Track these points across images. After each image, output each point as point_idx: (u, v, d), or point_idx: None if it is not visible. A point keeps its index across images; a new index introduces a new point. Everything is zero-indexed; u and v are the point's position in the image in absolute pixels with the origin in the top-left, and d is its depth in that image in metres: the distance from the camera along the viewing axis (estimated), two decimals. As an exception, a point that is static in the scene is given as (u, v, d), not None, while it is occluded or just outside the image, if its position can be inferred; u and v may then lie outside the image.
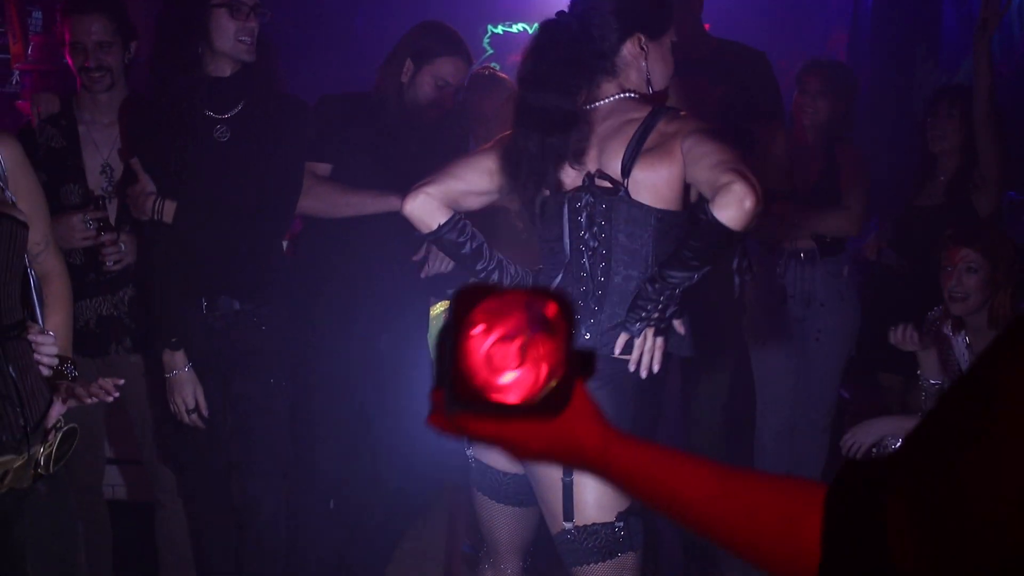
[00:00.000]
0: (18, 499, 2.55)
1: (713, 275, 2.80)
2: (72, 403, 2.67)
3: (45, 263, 2.89)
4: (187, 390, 3.62)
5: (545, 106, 2.85)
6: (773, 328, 4.85)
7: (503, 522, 3.02)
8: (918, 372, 4.15)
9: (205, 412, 3.65)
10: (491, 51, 8.10)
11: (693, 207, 2.79)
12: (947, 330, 4.13)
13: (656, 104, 2.85)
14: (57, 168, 3.83)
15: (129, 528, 4.30)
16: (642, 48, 2.90)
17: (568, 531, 2.76)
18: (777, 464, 4.96)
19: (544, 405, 1.11)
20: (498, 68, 4.54)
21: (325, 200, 3.79)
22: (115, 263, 3.77)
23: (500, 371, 1.10)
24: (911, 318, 4.18)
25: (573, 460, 1.21)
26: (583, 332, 2.84)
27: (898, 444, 4.05)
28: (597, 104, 2.90)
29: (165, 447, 3.85)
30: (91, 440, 3.95)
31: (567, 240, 2.89)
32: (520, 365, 1.10)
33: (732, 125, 3.91)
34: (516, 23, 8.25)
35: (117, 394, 2.73)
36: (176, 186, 3.56)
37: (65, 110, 3.90)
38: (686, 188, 2.78)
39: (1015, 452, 0.83)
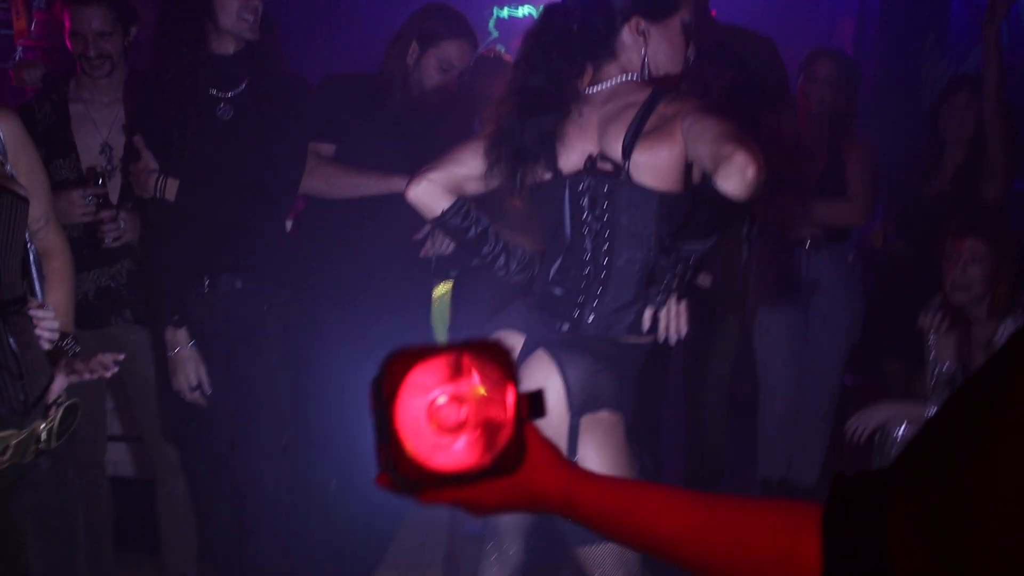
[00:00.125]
0: (19, 474, 2.55)
1: (717, 258, 2.80)
2: (73, 378, 2.67)
3: (46, 239, 2.89)
4: (189, 368, 3.62)
5: (537, 88, 2.87)
6: (776, 313, 4.85)
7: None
8: (930, 358, 4.14)
9: (208, 390, 3.65)
10: (496, 34, 8.08)
11: (696, 187, 2.77)
12: (948, 322, 4.13)
13: (657, 87, 2.84)
14: (56, 145, 3.83)
15: (131, 505, 4.31)
16: (641, 32, 2.88)
17: (572, 512, 2.75)
18: (779, 449, 4.97)
19: (498, 466, 1.05)
20: (504, 51, 4.51)
21: (328, 180, 3.79)
22: (114, 240, 3.78)
23: (444, 442, 1.04)
24: (917, 306, 4.19)
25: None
26: (587, 316, 2.84)
27: (901, 430, 4.07)
28: (599, 87, 2.90)
29: (168, 424, 3.85)
30: (93, 416, 3.96)
31: (568, 223, 2.88)
32: (465, 429, 1.04)
33: (738, 111, 3.90)
34: (522, 6, 8.24)
35: (116, 369, 2.73)
36: (179, 164, 3.55)
37: (59, 88, 3.89)
38: (688, 169, 2.77)
39: (1020, 458, 0.82)
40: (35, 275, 2.75)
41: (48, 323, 2.67)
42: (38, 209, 2.79)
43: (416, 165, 3.25)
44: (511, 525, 3.08)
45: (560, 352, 2.80)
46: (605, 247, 2.83)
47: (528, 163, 2.90)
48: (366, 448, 3.47)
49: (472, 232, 3.03)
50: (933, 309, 4.12)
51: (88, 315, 3.84)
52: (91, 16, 3.75)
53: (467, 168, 2.98)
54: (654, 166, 2.75)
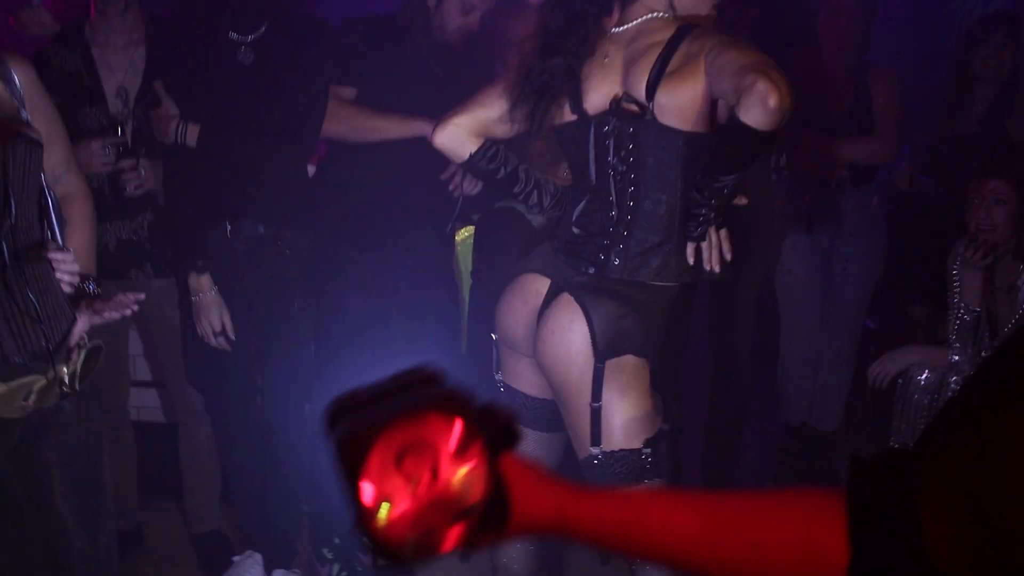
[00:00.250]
0: (44, 417, 2.55)
1: (747, 187, 2.77)
2: (96, 319, 2.66)
3: (68, 184, 2.87)
4: (213, 313, 3.62)
5: (560, 28, 2.84)
6: (799, 256, 4.82)
7: (530, 447, 3.02)
8: (955, 300, 4.11)
9: (232, 335, 3.66)
10: (518, -26, 7.99)
11: (722, 124, 2.73)
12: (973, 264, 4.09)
13: (683, 24, 2.79)
14: (73, 92, 3.80)
15: (156, 450, 4.35)
16: None
17: (595, 456, 2.76)
18: (800, 393, 4.96)
19: (484, 527, 1.00)
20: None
21: (350, 124, 3.76)
22: (136, 188, 3.77)
23: (421, 526, 0.98)
24: (943, 249, 4.16)
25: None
26: (612, 259, 2.81)
27: (924, 376, 4.06)
28: (625, 27, 2.86)
29: (192, 369, 3.86)
30: (117, 360, 4.00)
31: (593, 166, 2.86)
32: (439, 496, 0.97)
33: (764, 49, 3.85)
34: (544, -54, 8.13)
35: (136, 307, 2.72)
36: (199, 109, 3.54)
37: (78, 34, 3.87)
38: (713, 108, 2.73)
39: None
40: (55, 221, 2.74)
41: (68, 266, 2.66)
42: (57, 155, 2.78)
43: (437, 108, 3.23)
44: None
45: (585, 296, 2.78)
46: (631, 190, 2.80)
47: (549, 103, 2.88)
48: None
49: (502, 172, 3.03)
50: (958, 251, 4.09)
51: (108, 267, 3.84)
52: None
53: (493, 110, 2.96)
54: (678, 106, 2.71)
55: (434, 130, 3.01)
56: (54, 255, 2.63)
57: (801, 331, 4.92)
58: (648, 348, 2.80)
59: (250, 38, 3.59)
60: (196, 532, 4.23)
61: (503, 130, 2.98)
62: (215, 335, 3.65)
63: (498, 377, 3.04)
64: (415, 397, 1.01)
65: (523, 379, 2.98)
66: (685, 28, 2.76)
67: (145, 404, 4.63)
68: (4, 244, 2.45)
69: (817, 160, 4.63)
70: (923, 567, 0.87)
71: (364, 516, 0.99)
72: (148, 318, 3.97)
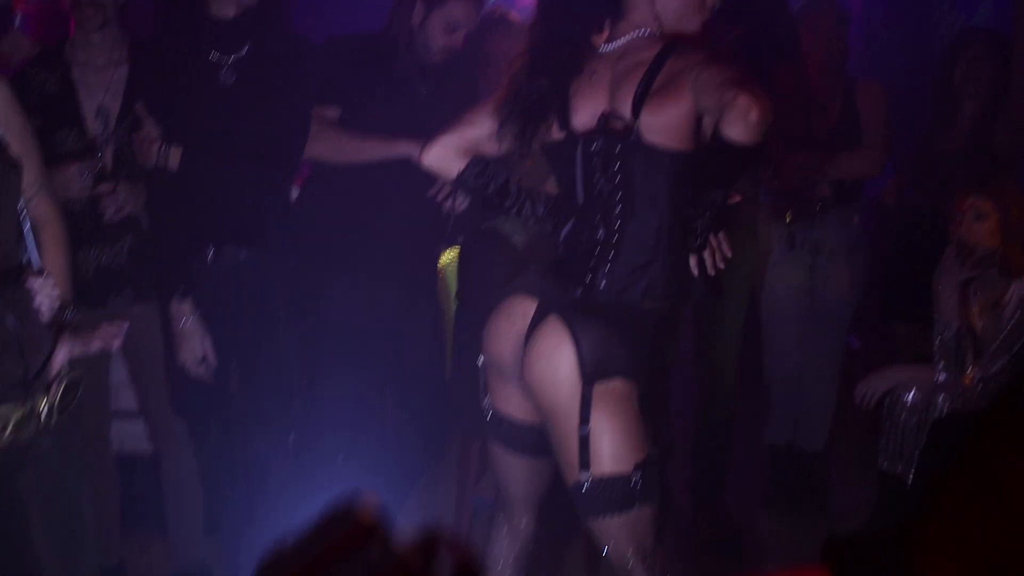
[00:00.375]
0: (21, 452, 2.50)
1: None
2: (78, 349, 2.61)
3: (39, 207, 2.83)
4: (195, 341, 3.57)
5: (549, 46, 2.85)
6: (781, 274, 4.81)
7: (518, 474, 3.00)
8: (935, 316, 4.11)
9: (213, 363, 3.61)
10: (501, -7, 8.01)
11: (708, 142, 2.72)
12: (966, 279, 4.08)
13: (668, 42, 2.78)
14: (51, 113, 3.76)
15: (137, 481, 4.30)
16: None
17: (584, 482, 2.73)
18: (785, 413, 4.94)
19: None
20: (509, 10, 4.43)
21: (333, 145, 3.73)
22: (115, 213, 3.72)
23: None
24: (928, 267, 4.15)
25: None
26: (599, 279, 2.79)
27: (910, 395, 4.04)
28: (613, 44, 2.86)
29: (175, 397, 3.80)
30: (98, 390, 3.94)
31: (580, 185, 2.84)
32: None
33: (749, 65, 3.83)
34: (527, -36, 8.15)
35: (120, 340, 2.67)
36: (181, 132, 3.50)
37: (58, 54, 3.83)
38: (699, 125, 2.73)
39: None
40: (32, 246, 2.69)
41: (48, 291, 2.62)
42: (29, 176, 2.74)
43: (422, 127, 3.21)
44: (521, 496, 3.07)
45: (572, 318, 2.76)
46: (617, 209, 2.79)
47: (538, 121, 2.88)
48: (373, 421, 3.47)
49: (491, 187, 3.04)
50: (941, 269, 4.08)
51: (87, 294, 3.79)
52: None
53: (480, 129, 2.97)
54: (664, 125, 2.71)
55: (422, 150, 3.02)
56: (34, 281, 2.58)
57: (784, 349, 4.92)
58: (636, 371, 2.78)
59: (232, 58, 3.55)
60: (180, 565, 4.15)
61: (491, 148, 2.98)
62: (196, 363, 3.59)
63: (485, 402, 3.01)
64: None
65: (511, 403, 2.94)
66: (670, 46, 2.76)
67: (127, 434, 4.57)
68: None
69: (802, 177, 4.62)
70: None
71: None
72: (129, 345, 3.91)
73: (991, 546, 0.82)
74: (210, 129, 3.51)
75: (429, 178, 3.62)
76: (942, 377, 4.09)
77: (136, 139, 3.56)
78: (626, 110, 2.74)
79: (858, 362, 5.22)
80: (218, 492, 3.91)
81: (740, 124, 2.47)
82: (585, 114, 2.83)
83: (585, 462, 2.72)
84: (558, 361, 2.74)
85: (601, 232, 2.82)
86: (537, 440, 2.92)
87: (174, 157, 3.47)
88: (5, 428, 2.43)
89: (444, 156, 3.00)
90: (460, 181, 3.03)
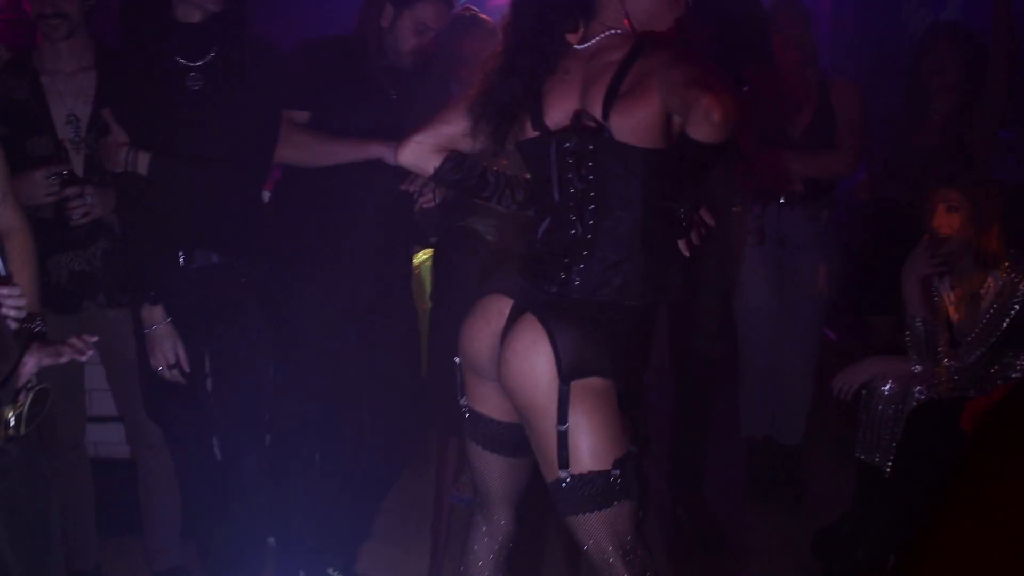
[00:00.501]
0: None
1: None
2: (47, 361, 2.58)
3: (5, 216, 2.81)
4: (167, 345, 3.55)
5: (522, 45, 2.84)
6: (752, 269, 4.83)
7: (497, 473, 2.99)
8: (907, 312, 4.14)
9: (187, 368, 3.59)
10: (472, -7, 8.01)
11: (677, 141, 2.73)
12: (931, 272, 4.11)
13: (638, 41, 2.79)
14: (21, 120, 3.75)
15: (113, 485, 4.27)
16: None
17: (564, 479, 2.72)
18: (761, 407, 4.96)
19: None
20: (478, 10, 4.42)
21: (304, 149, 3.72)
22: (82, 216, 3.70)
23: None
24: (903, 259, 4.17)
25: None
26: (573, 277, 2.79)
27: (887, 387, 4.06)
28: (587, 44, 2.86)
29: (149, 402, 3.78)
30: (71, 395, 3.94)
31: (555, 182, 2.84)
32: None
33: (721, 65, 3.84)
34: (496, -36, 8.16)
35: (91, 351, 2.65)
36: (149, 136, 3.49)
37: (26, 62, 3.80)
38: (669, 123, 2.73)
39: None
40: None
41: (15, 301, 2.59)
42: None
43: (392, 129, 3.19)
44: (500, 495, 3.05)
45: (548, 316, 2.75)
46: (591, 207, 2.79)
47: (511, 120, 2.88)
48: (350, 422, 3.47)
49: (470, 179, 3.05)
50: (911, 262, 4.11)
51: (61, 299, 3.78)
52: None
53: (455, 127, 2.98)
54: (633, 125, 2.71)
55: (398, 148, 3.03)
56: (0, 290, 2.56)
57: (758, 342, 4.93)
58: (613, 368, 2.78)
59: (199, 63, 3.54)
60: (158, 570, 4.13)
61: (466, 146, 2.99)
62: (169, 368, 3.57)
63: (463, 402, 3.00)
64: None
65: (489, 403, 2.94)
66: (638, 46, 2.76)
67: (103, 439, 4.55)
68: (-51, 278, 2.38)
69: (775, 175, 4.64)
70: None
71: None
72: (103, 351, 3.90)
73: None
74: (178, 134, 3.50)
75: (401, 179, 3.62)
76: (917, 368, 4.12)
77: (103, 144, 3.54)
78: (596, 110, 2.74)
79: (835, 355, 5.23)
80: (195, 495, 3.89)
81: (703, 125, 2.47)
82: (558, 113, 2.83)
83: (564, 460, 2.71)
84: (535, 359, 2.73)
85: (576, 230, 2.81)
86: (515, 439, 2.91)
87: (142, 162, 3.46)
88: (-29, 437, 2.40)
89: (420, 153, 3.01)
90: (437, 177, 3.04)
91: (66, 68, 3.80)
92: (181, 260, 3.60)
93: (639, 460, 2.81)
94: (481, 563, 3.09)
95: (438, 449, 4.30)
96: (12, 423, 2.46)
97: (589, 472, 2.71)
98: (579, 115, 2.78)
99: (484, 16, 4.36)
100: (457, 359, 2.99)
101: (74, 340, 2.62)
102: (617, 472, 2.72)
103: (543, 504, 2.94)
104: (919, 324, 4.09)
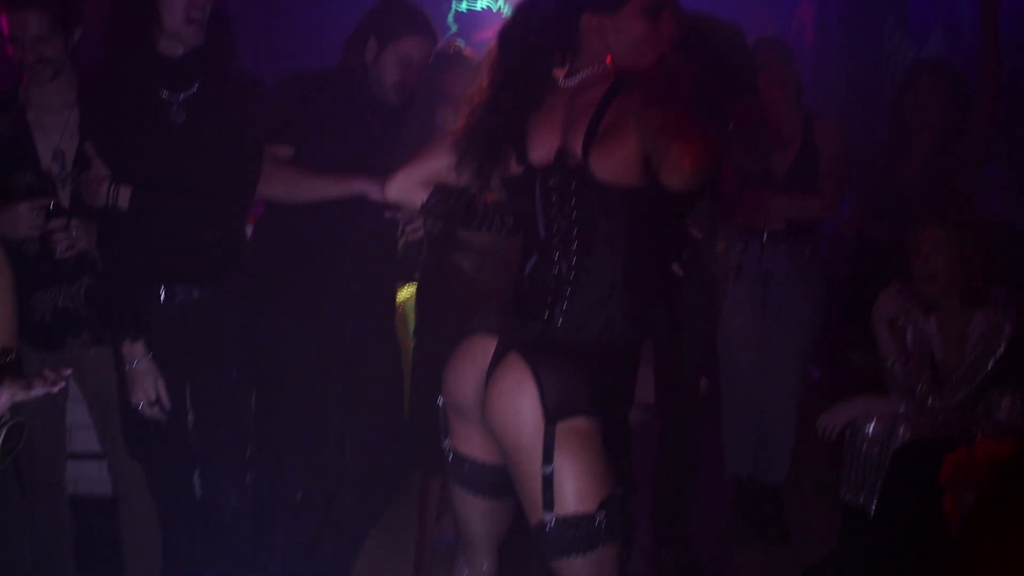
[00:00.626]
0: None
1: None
2: (20, 396, 2.55)
3: None
4: (147, 382, 3.52)
5: (506, 82, 2.84)
6: (735, 306, 4.84)
7: (480, 515, 2.96)
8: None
9: (167, 405, 3.55)
10: (456, 28, 8.05)
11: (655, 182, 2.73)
12: (917, 312, 4.11)
13: (618, 78, 2.78)
14: (6, 156, 3.72)
15: (94, 524, 4.24)
16: (596, 27, 2.82)
17: (548, 522, 2.69)
18: (745, 445, 4.94)
19: None
20: (463, 45, 4.42)
21: (287, 184, 3.69)
22: (66, 249, 3.66)
23: None
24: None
25: None
26: (556, 316, 2.77)
27: (871, 426, 4.05)
28: (571, 80, 2.86)
29: (130, 440, 3.74)
30: (52, 433, 3.91)
31: (541, 218, 2.83)
32: None
33: (706, 102, 3.83)
34: (480, 0, 8.21)
35: (64, 384, 2.61)
36: (131, 170, 3.46)
37: (12, 98, 3.78)
38: (649, 162, 2.70)
39: None
40: None
41: None
42: None
43: (376, 164, 3.17)
44: (482, 538, 3.03)
45: (533, 355, 2.73)
46: (574, 245, 2.78)
47: (496, 156, 2.88)
48: (331, 459, 3.43)
49: (458, 209, 3.05)
50: (878, 306, 4.12)
51: (44, 336, 3.74)
52: (28, 20, 3.63)
53: (441, 161, 2.98)
54: (613, 165, 2.70)
55: (385, 183, 3.04)
56: None
57: (742, 381, 4.92)
58: (599, 408, 2.75)
59: (182, 96, 3.53)
60: (138, 609, 4.08)
61: (452, 180, 2.98)
62: (150, 404, 3.54)
63: (446, 444, 2.97)
64: None
65: (473, 444, 2.90)
66: (616, 85, 2.75)
67: (83, 476, 4.50)
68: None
69: (757, 213, 4.64)
70: None
71: None
72: (86, 388, 3.87)
73: None
74: (160, 168, 3.48)
75: (383, 214, 3.61)
76: (902, 408, 4.10)
77: (84, 178, 3.51)
78: (577, 149, 2.74)
79: (819, 392, 5.23)
80: (175, 534, 3.84)
81: (674, 174, 2.48)
82: (542, 149, 2.82)
83: (549, 502, 2.68)
84: (520, 400, 2.70)
85: (559, 268, 2.80)
86: (499, 481, 2.88)
87: (123, 196, 3.43)
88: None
89: (407, 188, 3.02)
90: (426, 210, 3.05)
91: (53, 103, 3.77)
92: (162, 295, 3.58)
93: (624, 502, 2.78)
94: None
95: (420, 488, 4.26)
96: None
97: (574, 515, 2.68)
98: (561, 153, 2.77)
99: (468, 51, 4.36)
100: (440, 400, 2.97)
101: (47, 372, 2.59)
102: (602, 514, 2.69)
103: (526, 547, 2.90)
104: (896, 367, 4.09)
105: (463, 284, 4.01)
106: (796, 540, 4.85)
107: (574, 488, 2.67)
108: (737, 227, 4.80)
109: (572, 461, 2.68)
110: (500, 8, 8.24)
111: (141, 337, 3.51)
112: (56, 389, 2.60)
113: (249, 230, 3.94)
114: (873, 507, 4.03)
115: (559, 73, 2.88)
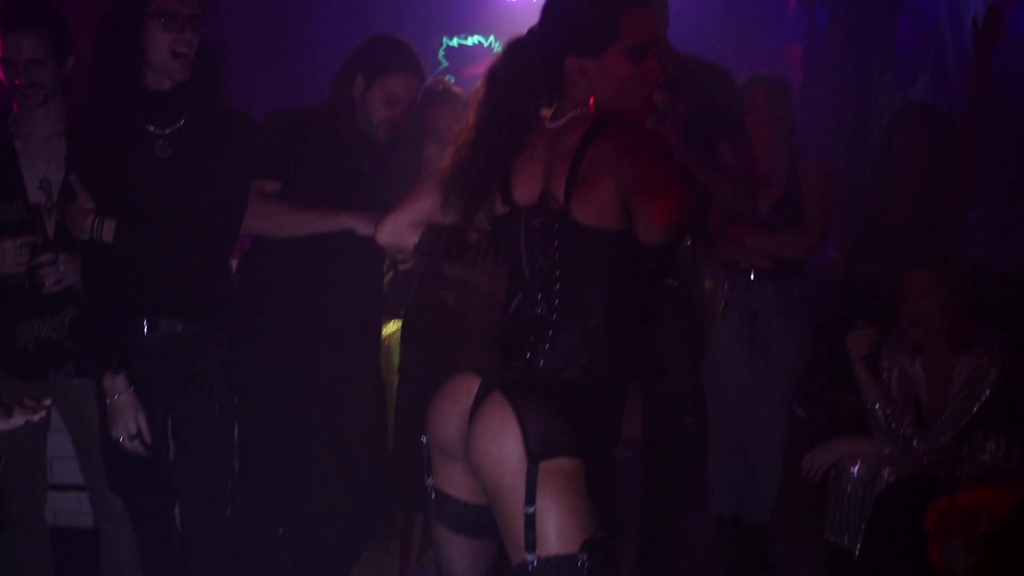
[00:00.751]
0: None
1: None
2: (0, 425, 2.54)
3: None
4: (128, 416, 3.50)
5: (492, 123, 2.84)
6: (722, 344, 4.83)
7: (462, 555, 2.94)
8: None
9: (148, 439, 3.53)
10: (446, 63, 8.07)
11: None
12: (904, 356, 4.12)
13: (597, 121, 2.76)
14: None
15: (75, 556, 4.21)
16: (580, 69, 2.81)
17: (530, 563, 2.67)
18: (731, 484, 4.92)
19: None
20: (453, 82, 4.43)
21: (273, 219, 3.69)
22: (54, 284, 3.64)
23: None
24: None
25: None
26: (538, 356, 2.76)
27: (856, 467, 4.04)
28: (557, 122, 2.84)
29: (111, 473, 3.72)
30: (32, 465, 3.88)
31: (525, 258, 2.82)
32: None
33: (693, 143, 3.84)
34: (472, 35, 8.23)
35: (44, 413, 2.60)
36: (116, 203, 3.46)
37: (1, 124, 3.78)
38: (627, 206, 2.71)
39: None
40: None
41: None
42: None
43: (364, 200, 3.16)
44: (467, 574, 2.99)
45: (516, 395, 2.72)
46: (557, 286, 2.77)
47: (482, 195, 2.87)
48: (313, 495, 3.41)
49: (452, 246, 3.04)
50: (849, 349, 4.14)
51: (26, 366, 3.72)
52: (23, 43, 3.63)
53: (428, 201, 2.98)
54: (592, 209, 2.69)
55: (376, 229, 3.04)
56: None
57: (727, 420, 4.90)
58: (582, 448, 2.74)
59: (168, 131, 3.53)
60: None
61: (439, 219, 2.98)
62: (131, 438, 3.52)
63: (429, 482, 2.95)
64: None
65: (456, 483, 2.89)
66: (594, 129, 2.74)
67: (63, 508, 4.47)
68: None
69: (741, 251, 4.66)
70: None
71: None
72: (69, 419, 3.85)
73: None
74: (145, 202, 3.47)
75: (371, 250, 3.60)
76: (887, 449, 4.10)
77: (70, 211, 3.51)
78: (559, 192, 2.73)
79: (805, 432, 5.22)
80: (156, 567, 3.80)
81: (645, 231, 2.47)
82: (526, 190, 2.82)
83: (531, 542, 2.66)
84: (502, 439, 2.69)
85: (541, 308, 2.79)
86: (481, 520, 2.86)
87: (108, 229, 3.43)
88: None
89: (397, 230, 3.03)
90: (418, 248, 3.05)
91: (41, 133, 3.77)
92: (145, 329, 3.56)
93: (607, 543, 2.77)
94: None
95: (403, 524, 4.24)
96: None
97: (556, 555, 2.66)
98: (544, 195, 2.77)
99: (456, 89, 4.37)
100: (424, 438, 2.95)
101: (27, 400, 2.58)
102: (584, 556, 2.67)
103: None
104: (878, 410, 4.09)
105: (449, 321, 4.01)
106: (780, 580, 4.84)
107: (556, 529, 2.66)
108: (724, 265, 4.81)
109: (554, 502, 2.66)
110: (491, 44, 8.28)
111: (123, 370, 3.50)
112: (37, 418, 2.60)
113: (235, 264, 3.93)
114: (858, 549, 4.02)
115: (546, 113, 2.88)
